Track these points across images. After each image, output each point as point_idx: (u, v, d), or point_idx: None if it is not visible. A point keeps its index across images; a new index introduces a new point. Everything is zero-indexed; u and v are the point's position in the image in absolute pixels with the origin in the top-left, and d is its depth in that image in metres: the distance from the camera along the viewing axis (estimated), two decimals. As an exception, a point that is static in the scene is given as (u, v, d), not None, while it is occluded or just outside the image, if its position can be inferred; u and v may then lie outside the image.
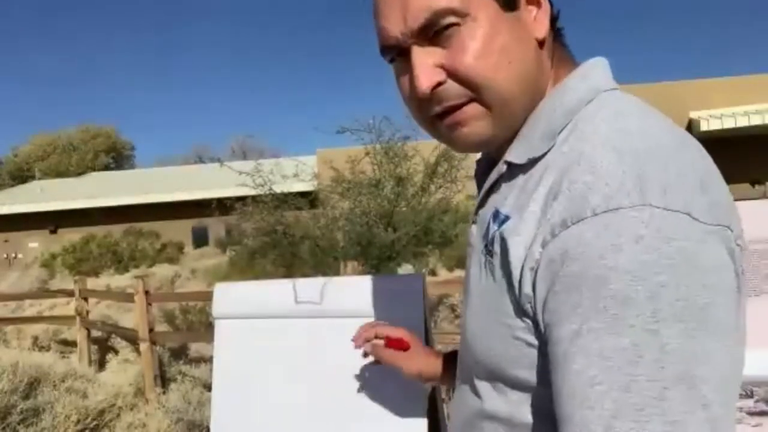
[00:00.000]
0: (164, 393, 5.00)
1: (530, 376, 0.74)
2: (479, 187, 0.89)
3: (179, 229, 27.97)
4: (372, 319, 1.36)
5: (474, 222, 0.87)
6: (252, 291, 1.54)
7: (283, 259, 7.63)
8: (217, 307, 1.51)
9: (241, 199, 8.20)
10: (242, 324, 1.49)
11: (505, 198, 0.79)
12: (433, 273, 9.93)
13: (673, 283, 0.62)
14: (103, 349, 7.29)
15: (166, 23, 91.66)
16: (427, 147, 7.79)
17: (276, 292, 1.48)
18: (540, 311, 0.69)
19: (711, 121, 26.58)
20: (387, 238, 6.88)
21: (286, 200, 7.71)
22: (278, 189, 7.73)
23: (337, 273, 5.44)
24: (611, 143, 0.70)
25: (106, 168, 43.55)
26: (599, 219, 0.65)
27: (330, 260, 6.86)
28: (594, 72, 0.81)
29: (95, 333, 7.39)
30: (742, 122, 26.06)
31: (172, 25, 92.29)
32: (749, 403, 1.55)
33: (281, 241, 7.41)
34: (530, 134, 0.78)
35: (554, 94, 0.79)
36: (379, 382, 1.34)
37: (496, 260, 0.76)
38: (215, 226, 26.11)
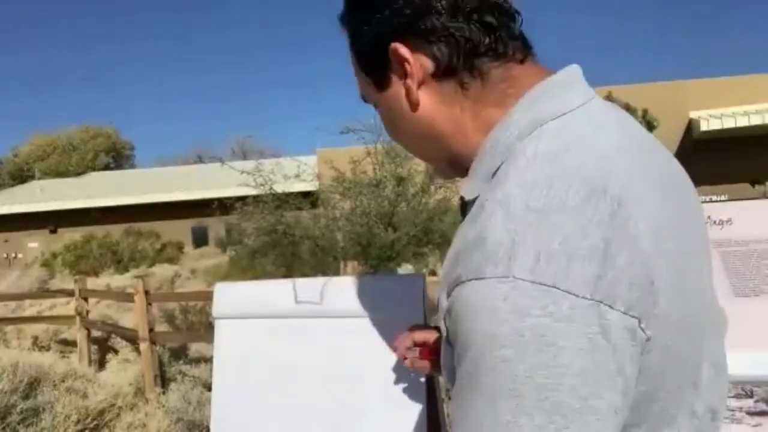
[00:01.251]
0: (164, 393, 5.02)
1: None
2: None
3: (179, 229, 28.02)
4: (371, 319, 1.37)
5: None
6: (252, 291, 1.54)
7: (283, 259, 7.65)
8: (217, 307, 1.52)
9: (242, 198, 8.23)
10: (242, 324, 1.49)
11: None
12: (433, 273, 9.96)
13: (517, 358, 0.62)
14: (103, 349, 7.31)
15: (165, 22, 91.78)
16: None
17: (276, 292, 1.48)
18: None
19: (711, 121, 26.60)
20: (387, 239, 6.89)
21: (287, 200, 7.73)
22: (279, 189, 7.76)
23: (337, 273, 5.45)
24: (507, 200, 0.70)
25: (106, 168, 43.61)
26: (471, 285, 0.66)
27: (330, 260, 6.88)
28: (543, 99, 0.79)
29: (95, 333, 7.41)
30: (742, 122, 26.07)
31: (170, 24, 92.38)
32: (749, 402, 1.56)
33: (281, 240, 7.42)
34: (477, 171, 0.81)
35: (497, 128, 0.80)
36: (380, 381, 1.34)
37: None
38: (215, 226, 26.14)
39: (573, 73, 0.83)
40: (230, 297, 1.53)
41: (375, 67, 0.87)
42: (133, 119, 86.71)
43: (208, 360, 6.53)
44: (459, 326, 0.67)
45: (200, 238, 28.86)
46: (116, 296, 7.73)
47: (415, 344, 1.21)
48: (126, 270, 16.73)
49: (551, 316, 0.63)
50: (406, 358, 1.22)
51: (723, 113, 26.58)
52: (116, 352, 6.57)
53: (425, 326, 1.27)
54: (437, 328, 1.18)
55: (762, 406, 1.55)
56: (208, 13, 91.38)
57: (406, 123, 0.87)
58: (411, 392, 1.33)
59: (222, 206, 8.57)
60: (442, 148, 0.86)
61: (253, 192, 7.88)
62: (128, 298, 6.16)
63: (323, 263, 7.06)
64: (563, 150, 0.73)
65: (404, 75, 0.83)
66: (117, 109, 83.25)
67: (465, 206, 0.82)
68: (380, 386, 1.34)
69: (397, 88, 0.85)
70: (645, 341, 0.66)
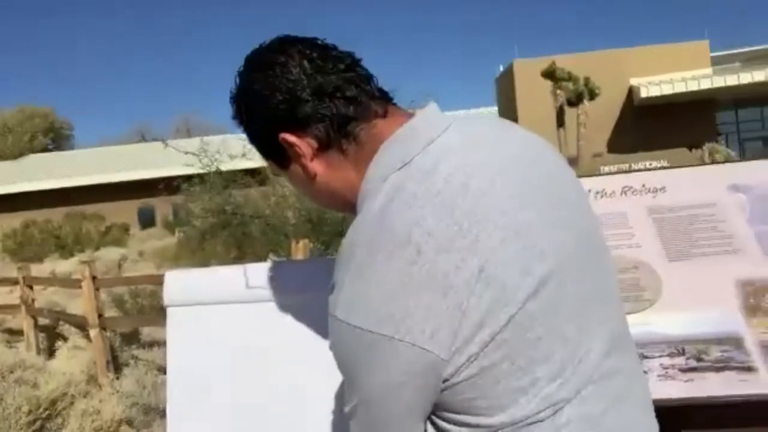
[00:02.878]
0: (117, 378, 4.97)
1: None
2: None
3: (124, 211, 27.39)
4: (321, 302, 1.41)
5: None
6: (203, 278, 1.56)
7: (233, 240, 7.59)
8: (168, 294, 1.52)
9: (189, 178, 8.07)
10: (194, 311, 1.50)
11: None
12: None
13: (347, 375, 0.93)
14: (51, 337, 7.16)
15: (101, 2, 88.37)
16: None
17: (227, 278, 1.50)
18: None
19: (650, 88, 27.25)
20: (338, 215, 6.90)
21: (234, 179, 7.63)
22: (225, 168, 7.64)
23: (288, 251, 5.43)
24: (350, 246, 0.92)
25: (45, 150, 42.13)
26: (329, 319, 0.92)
27: (281, 239, 6.84)
28: (385, 156, 0.96)
29: (42, 321, 7.25)
30: (680, 88, 26.82)
31: (107, 3, 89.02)
32: (681, 360, 1.64)
33: (231, 221, 7.35)
34: (358, 211, 0.98)
35: (363, 183, 0.98)
36: (332, 362, 1.38)
37: None
38: (162, 207, 25.64)
39: (423, 118, 0.99)
40: (181, 285, 1.54)
41: (273, 153, 1.05)
42: (71, 98, 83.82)
43: (161, 344, 6.47)
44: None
45: (147, 220, 28.29)
46: (62, 282, 7.56)
47: None
48: (71, 255, 16.32)
49: (356, 347, 0.88)
50: None
51: (662, 80, 27.27)
52: (65, 339, 6.44)
53: None
54: None
55: (693, 363, 1.63)
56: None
57: (312, 188, 1.06)
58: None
59: (168, 186, 8.39)
60: (345, 202, 1.04)
61: (195, 171, 7.75)
62: (75, 284, 6.04)
63: (274, 242, 7.03)
64: (385, 207, 0.90)
65: (297, 156, 1.01)
66: (55, 88, 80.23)
67: None
68: (333, 367, 1.38)
69: (294, 165, 1.04)
70: (442, 361, 0.84)
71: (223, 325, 1.47)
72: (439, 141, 0.94)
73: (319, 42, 1.03)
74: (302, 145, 0.99)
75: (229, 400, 1.44)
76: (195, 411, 1.46)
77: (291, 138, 0.99)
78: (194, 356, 1.48)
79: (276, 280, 1.45)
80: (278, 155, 1.04)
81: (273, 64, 0.99)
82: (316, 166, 1.01)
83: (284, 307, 1.44)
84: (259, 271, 1.48)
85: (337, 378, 1.36)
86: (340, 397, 1.35)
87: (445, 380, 0.86)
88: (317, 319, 1.40)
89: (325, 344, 1.35)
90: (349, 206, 1.05)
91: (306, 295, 1.42)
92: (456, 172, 0.90)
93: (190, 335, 1.49)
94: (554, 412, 0.87)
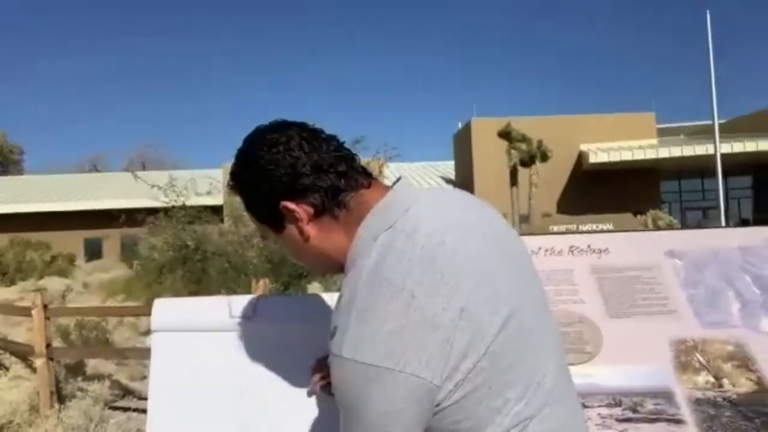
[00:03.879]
0: (62, 410, 4.84)
1: None
2: None
3: (70, 241, 26.61)
4: (300, 331, 1.53)
5: None
6: (189, 306, 1.66)
7: (192, 275, 7.50)
8: (155, 320, 1.62)
9: (152, 211, 7.97)
10: (178, 337, 1.60)
11: None
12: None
13: (350, 408, 1.03)
14: (-11, 366, 6.90)
15: (57, 24, 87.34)
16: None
17: (212, 307, 1.61)
18: None
19: (599, 154, 28.23)
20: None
21: (199, 216, 7.61)
22: (189, 203, 7.61)
23: (248, 290, 5.44)
24: (351, 294, 1.06)
25: (-9, 173, 40.80)
26: (331, 360, 1.05)
27: (241, 277, 6.81)
28: (373, 220, 1.14)
29: (-19, 349, 6.98)
30: (627, 156, 27.85)
31: (63, 26, 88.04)
32: (617, 411, 1.76)
33: (192, 256, 7.31)
34: (348, 269, 1.13)
35: (354, 242, 1.14)
36: (303, 386, 1.50)
37: None
38: (110, 239, 25.05)
39: (399, 191, 1.18)
40: (167, 311, 1.64)
41: (270, 219, 1.20)
42: (23, 124, 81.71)
43: (106, 377, 6.33)
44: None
45: (93, 251, 27.55)
46: (8, 310, 7.32)
47: (323, 376, 1.46)
48: (12, 283, 15.71)
49: (360, 379, 1.00)
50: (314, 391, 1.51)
51: (610, 147, 28.31)
52: (7, 369, 6.23)
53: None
54: None
55: (628, 414, 1.75)
56: (105, 16, 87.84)
57: (304, 250, 1.21)
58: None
59: (127, 218, 8.29)
60: (333, 263, 1.20)
61: (159, 205, 7.70)
62: (23, 311, 5.90)
63: (234, 280, 7.01)
64: (380, 261, 1.06)
65: (295, 220, 1.17)
66: (6, 112, 78.19)
67: None
68: (312, 395, 1.48)
69: (290, 228, 1.19)
70: (435, 387, 1.00)
71: (206, 351, 1.57)
72: (414, 208, 1.13)
73: (311, 126, 1.22)
74: (300, 211, 1.16)
75: (209, 424, 1.53)
76: (174, 432, 1.54)
77: (291, 205, 1.15)
78: (177, 379, 1.56)
79: (258, 311, 1.57)
80: (274, 220, 1.20)
81: (277, 143, 1.16)
82: (311, 230, 1.17)
83: (264, 336, 1.55)
84: (242, 302, 1.60)
85: (313, 404, 1.48)
86: (319, 424, 1.46)
87: (437, 404, 1.01)
88: (295, 348, 1.52)
89: (302, 370, 1.47)
90: (335, 266, 1.20)
91: (285, 326, 1.54)
92: (434, 232, 1.09)
93: (173, 360, 1.58)
94: (522, 429, 1.05)
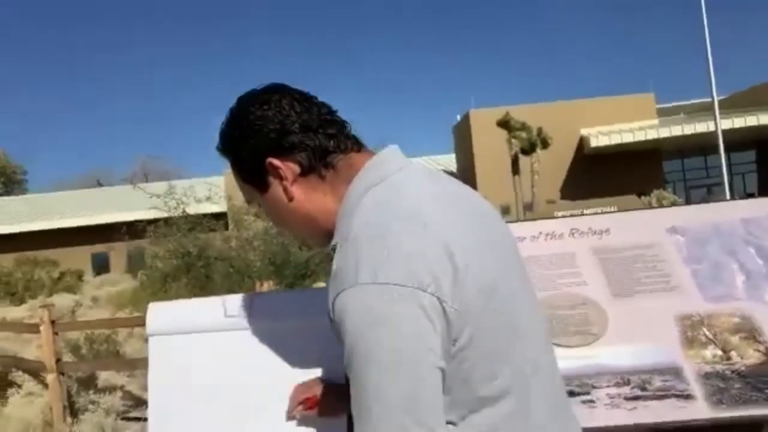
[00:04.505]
0: (75, 423, 4.86)
1: None
2: None
3: (77, 257, 26.73)
4: (297, 327, 1.52)
5: None
6: (184, 308, 1.66)
7: (197, 281, 7.52)
8: (150, 324, 1.61)
9: (153, 222, 8.01)
10: (174, 339, 1.59)
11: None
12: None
13: (368, 340, 0.96)
14: (2, 384, 6.93)
15: (57, 39, 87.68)
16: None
17: (206, 308, 1.60)
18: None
19: (600, 138, 28.18)
20: (302, 257, 6.96)
21: (200, 222, 7.64)
22: (191, 211, 7.65)
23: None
24: (351, 237, 1.05)
25: (-5, 194, 41.00)
26: (337, 299, 1.00)
27: (245, 281, 6.84)
28: (371, 172, 1.14)
29: (-7, 368, 7.01)
30: (628, 138, 27.79)
31: (64, 41, 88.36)
32: (626, 390, 1.76)
33: (195, 263, 7.33)
34: (337, 228, 1.14)
35: (345, 198, 1.14)
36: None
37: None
38: (117, 252, 25.15)
39: (391, 152, 1.19)
40: (162, 315, 1.63)
41: (256, 177, 1.19)
42: (25, 143, 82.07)
43: (118, 388, 6.35)
44: (340, 328, 1.00)
45: (101, 266, 27.66)
46: (18, 327, 7.36)
47: (301, 401, 1.46)
48: (22, 301, 15.77)
49: (385, 304, 0.96)
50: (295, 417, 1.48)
51: (611, 130, 28.27)
52: (19, 386, 6.26)
53: (308, 382, 1.50)
54: (320, 379, 1.49)
55: (636, 392, 1.76)
56: (103, 31, 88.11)
57: (287, 211, 1.20)
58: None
59: (130, 230, 8.33)
60: (317, 227, 1.19)
61: (162, 215, 7.73)
62: (31, 328, 5.92)
63: (238, 284, 7.03)
64: (386, 199, 1.08)
65: (280, 178, 1.16)
66: (7, 132, 78.55)
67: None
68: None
69: (275, 188, 1.18)
70: (454, 311, 0.98)
71: (203, 352, 1.56)
72: (406, 169, 1.15)
73: (305, 92, 1.22)
74: (285, 169, 1.15)
75: (209, 424, 1.52)
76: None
77: (277, 162, 1.15)
78: (175, 382, 1.56)
79: (253, 309, 1.56)
80: (259, 179, 1.19)
81: (268, 101, 1.17)
82: (295, 190, 1.17)
83: (260, 334, 1.54)
84: (236, 301, 1.59)
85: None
86: (317, 421, 1.45)
87: (455, 341, 1.00)
88: (293, 344, 1.51)
89: (300, 366, 1.47)
90: (319, 231, 1.20)
91: (281, 323, 1.53)
92: (425, 192, 1.12)
93: (170, 362, 1.57)
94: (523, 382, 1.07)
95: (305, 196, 1.17)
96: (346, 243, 1.05)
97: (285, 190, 1.17)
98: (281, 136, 1.15)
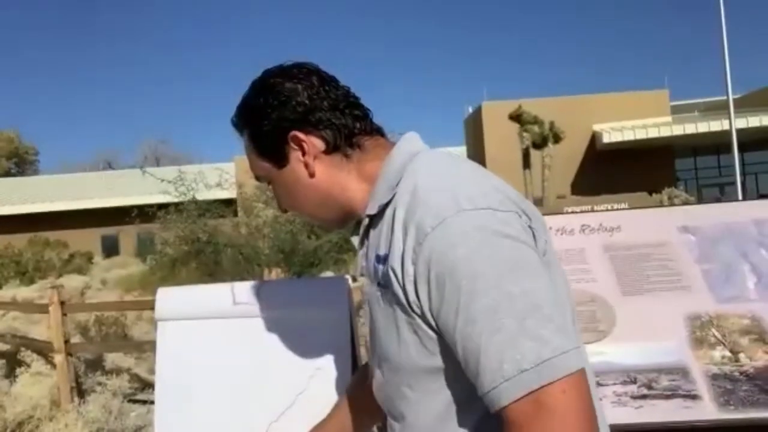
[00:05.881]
0: (82, 404, 4.92)
1: (439, 360, 1.01)
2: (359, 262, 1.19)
3: (88, 238, 26.92)
4: (304, 314, 1.52)
5: (362, 274, 1.16)
6: (192, 294, 1.66)
7: (205, 267, 7.56)
8: (160, 310, 1.62)
9: (162, 206, 8.05)
10: (183, 325, 1.60)
11: (378, 242, 1.07)
12: (354, 279, 10.07)
13: (496, 253, 0.93)
14: (11, 363, 7.00)
15: (70, 21, 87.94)
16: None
17: (215, 294, 1.61)
18: (427, 309, 0.97)
19: (612, 134, 28.00)
20: (310, 245, 6.97)
21: (209, 208, 7.66)
22: (200, 197, 7.67)
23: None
24: (430, 181, 1.02)
25: (8, 174, 41.35)
26: (436, 231, 0.95)
27: (253, 267, 6.88)
28: (408, 144, 1.14)
29: (2, 346, 7.10)
30: (641, 135, 27.60)
31: (76, 23, 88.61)
32: (633, 388, 1.76)
33: (204, 249, 7.35)
34: (377, 192, 1.10)
35: (386, 164, 1.11)
36: (312, 373, 1.49)
37: (389, 289, 1.02)
38: (126, 236, 25.30)
39: (414, 135, 1.18)
40: (171, 300, 1.64)
41: (276, 150, 1.14)
42: (37, 123, 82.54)
43: (126, 371, 6.41)
44: (439, 266, 0.94)
45: (110, 248, 27.84)
46: (27, 307, 7.43)
47: None
48: (32, 282, 15.90)
49: (497, 222, 0.95)
50: None
51: (623, 126, 28.09)
52: (28, 365, 6.32)
53: None
54: None
55: (643, 391, 1.75)
56: (114, 13, 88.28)
57: (306, 188, 1.15)
58: (339, 386, 1.48)
59: (140, 214, 8.36)
60: (335, 204, 1.16)
61: (171, 200, 7.76)
62: (41, 309, 5.97)
63: (246, 271, 7.06)
64: (442, 156, 1.09)
65: (303, 153, 1.13)
66: (20, 112, 79.03)
67: (370, 224, 1.11)
68: (313, 378, 1.48)
69: (294, 163, 1.14)
70: (534, 232, 1.00)
71: (210, 338, 1.57)
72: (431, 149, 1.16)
73: (333, 75, 1.20)
74: (310, 143, 1.12)
75: (214, 410, 1.53)
76: (182, 420, 1.55)
77: (302, 136, 1.12)
78: (182, 367, 1.57)
79: (261, 296, 1.56)
80: (279, 153, 1.14)
81: (297, 75, 1.14)
82: (318, 166, 1.13)
83: (267, 322, 1.55)
84: (245, 288, 1.59)
85: (318, 386, 1.48)
86: (325, 406, 1.45)
87: None
88: (300, 331, 1.51)
89: (307, 354, 1.47)
90: (337, 212, 1.17)
91: (289, 311, 1.54)
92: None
93: (178, 348, 1.58)
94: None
95: (327, 174, 1.13)
96: (413, 187, 1.02)
97: (306, 165, 1.13)
98: (309, 111, 1.11)
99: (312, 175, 1.13)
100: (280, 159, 1.15)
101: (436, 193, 0.99)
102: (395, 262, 1.00)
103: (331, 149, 1.12)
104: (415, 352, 1.02)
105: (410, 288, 0.98)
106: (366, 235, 1.13)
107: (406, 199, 1.02)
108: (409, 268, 0.97)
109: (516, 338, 0.88)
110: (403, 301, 0.99)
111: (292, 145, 1.13)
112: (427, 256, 0.95)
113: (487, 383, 0.89)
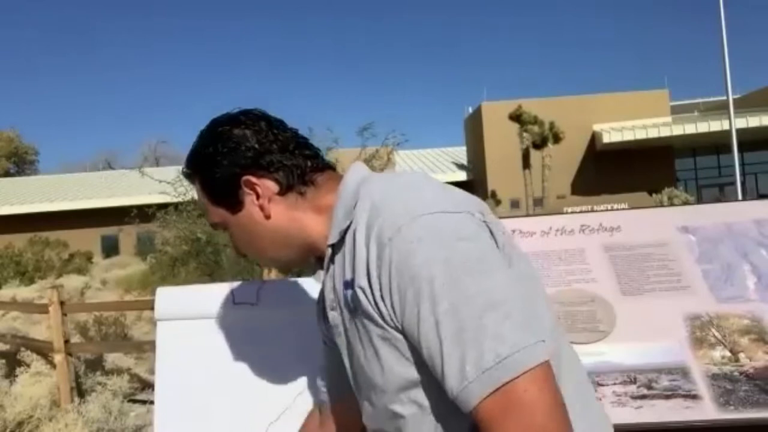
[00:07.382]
0: (82, 404, 4.92)
1: (420, 370, 1.02)
2: (322, 298, 1.22)
3: (87, 238, 26.93)
4: (303, 315, 1.52)
5: (332, 309, 1.15)
6: (192, 294, 1.66)
7: (205, 267, 7.55)
8: (159, 309, 1.62)
9: (162, 206, 8.04)
10: (183, 325, 1.60)
11: (342, 270, 1.08)
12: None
13: (452, 255, 0.95)
14: (11, 363, 7.00)
15: (70, 21, 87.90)
16: (350, 154, 7.94)
17: (215, 294, 1.61)
18: (399, 318, 0.99)
19: (612, 134, 28.02)
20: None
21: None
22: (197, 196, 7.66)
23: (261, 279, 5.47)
24: (384, 195, 1.04)
25: (7, 174, 41.36)
26: (394, 241, 0.97)
27: (253, 267, 6.87)
28: (358, 170, 1.16)
29: (2, 346, 7.09)
30: (641, 135, 27.61)
31: (76, 23, 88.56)
32: (632, 388, 1.76)
33: (204, 249, 7.34)
34: (335, 218, 1.12)
35: (341, 191, 1.13)
36: (312, 374, 1.49)
37: (359, 308, 1.04)
38: (126, 236, 25.27)
39: (362, 164, 1.21)
40: (171, 300, 1.64)
41: (229, 196, 1.16)
42: (37, 123, 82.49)
43: (125, 371, 6.41)
44: (401, 275, 0.96)
45: (110, 248, 27.85)
46: (27, 307, 7.43)
47: None
48: (31, 282, 15.88)
49: (451, 224, 0.98)
50: None
51: (623, 126, 28.09)
52: (28, 365, 6.33)
53: None
54: None
55: (643, 391, 1.75)
56: (119, 13, 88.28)
57: (264, 230, 1.17)
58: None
59: (140, 214, 8.35)
60: (294, 242, 1.18)
61: (170, 200, 7.75)
62: (41, 309, 5.97)
63: (246, 271, 7.05)
64: (393, 176, 1.12)
65: (257, 196, 1.15)
66: (19, 112, 78.99)
67: (333, 255, 1.12)
68: (312, 379, 1.48)
69: (250, 207, 1.16)
70: (490, 226, 1.03)
71: (210, 338, 1.57)
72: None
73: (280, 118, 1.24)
74: (263, 186, 1.14)
75: (214, 410, 1.54)
76: (181, 420, 1.55)
77: (254, 180, 1.14)
78: (182, 367, 1.57)
79: (260, 296, 1.56)
80: (232, 199, 1.16)
81: (245, 121, 1.17)
82: (273, 207, 1.15)
83: (267, 321, 1.55)
84: (245, 288, 1.59)
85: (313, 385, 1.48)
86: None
87: None
88: (299, 332, 1.51)
89: (306, 354, 1.47)
90: (294, 249, 1.19)
91: (288, 310, 1.54)
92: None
93: (178, 348, 1.58)
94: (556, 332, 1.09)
95: (283, 214, 1.16)
96: (369, 211, 1.04)
97: (262, 207, 1.15)
98: (259, 154, 1.14)
99: (268, 216, 1.16)
100: (234, 204, 1.17)
101: (391, 204, 1.02)
102: (362, 279, 1.02)
103: (284, 190, 1.15)
104: (398, 367, 1.03)
105: (380, 301, 1.00)
106: (329, 268, 1.14)
107: (364, 217, 1.04)
108: (375, 282, 1.00)
109: (475, 339, 0.91)
110: (376, 316, 1.01)
111: (246, 189, 1.15)
112: (388, 267, 0.98)
113: (455, 387, 0.91)
